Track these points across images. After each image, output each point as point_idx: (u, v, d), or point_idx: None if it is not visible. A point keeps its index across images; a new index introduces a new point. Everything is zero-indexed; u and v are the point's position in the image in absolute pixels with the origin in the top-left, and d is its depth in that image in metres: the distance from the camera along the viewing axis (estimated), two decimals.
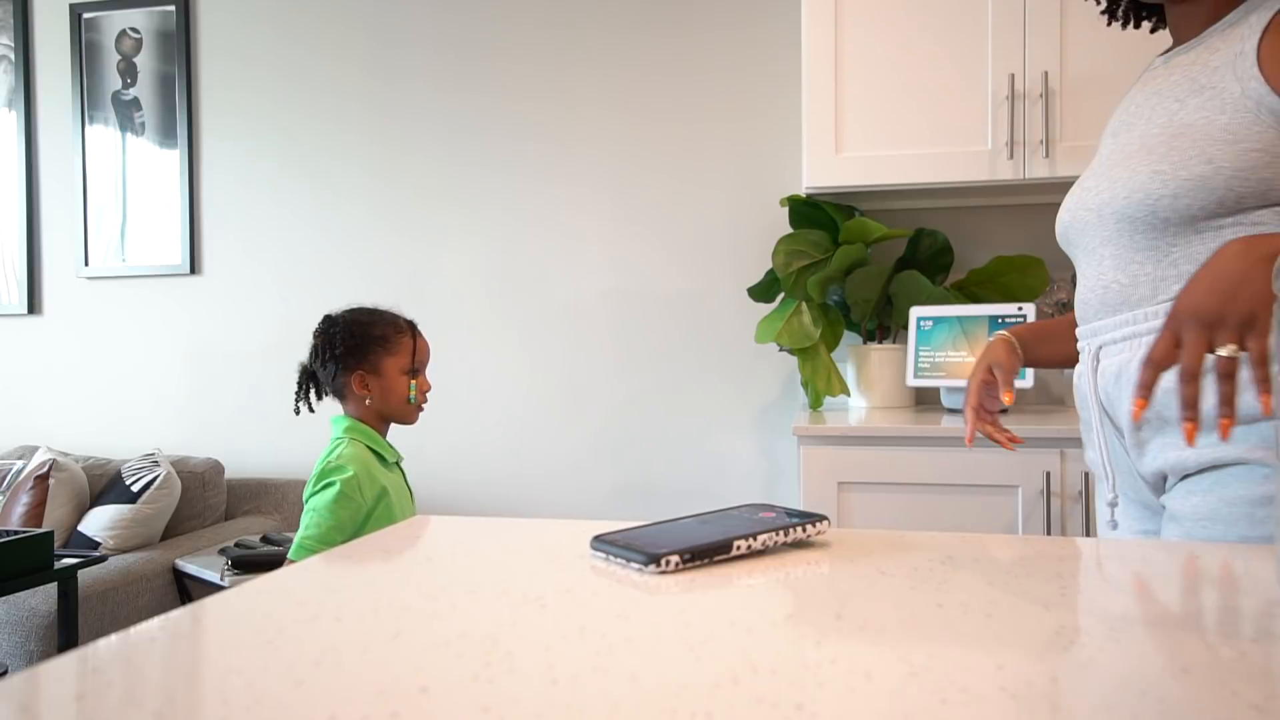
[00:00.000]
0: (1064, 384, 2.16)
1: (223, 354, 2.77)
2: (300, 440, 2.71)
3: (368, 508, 1.52)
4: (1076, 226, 0.99)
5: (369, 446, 1.58)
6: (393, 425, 1.67)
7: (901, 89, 1.98)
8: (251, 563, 2.10)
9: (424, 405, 1.66)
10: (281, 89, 2.72)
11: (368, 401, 1.60)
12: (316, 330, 1.63)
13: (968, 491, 1.72)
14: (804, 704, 0.37)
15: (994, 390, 1.10)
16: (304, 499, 1.54)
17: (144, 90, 2.82)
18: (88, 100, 2.87)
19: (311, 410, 1.65)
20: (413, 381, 1.63)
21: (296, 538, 1.50)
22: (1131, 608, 0.50)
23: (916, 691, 0.38)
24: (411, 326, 1.66)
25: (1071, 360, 1.11)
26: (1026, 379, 1.89)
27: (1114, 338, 0.93)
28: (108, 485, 2.53)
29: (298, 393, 1.65)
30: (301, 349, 2.82)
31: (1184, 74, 0.92)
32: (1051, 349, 1.13)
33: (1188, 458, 0.88)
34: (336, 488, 1.48)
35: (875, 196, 2.17)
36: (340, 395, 1.63)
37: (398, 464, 1.66)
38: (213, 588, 2.15)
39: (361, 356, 1.60)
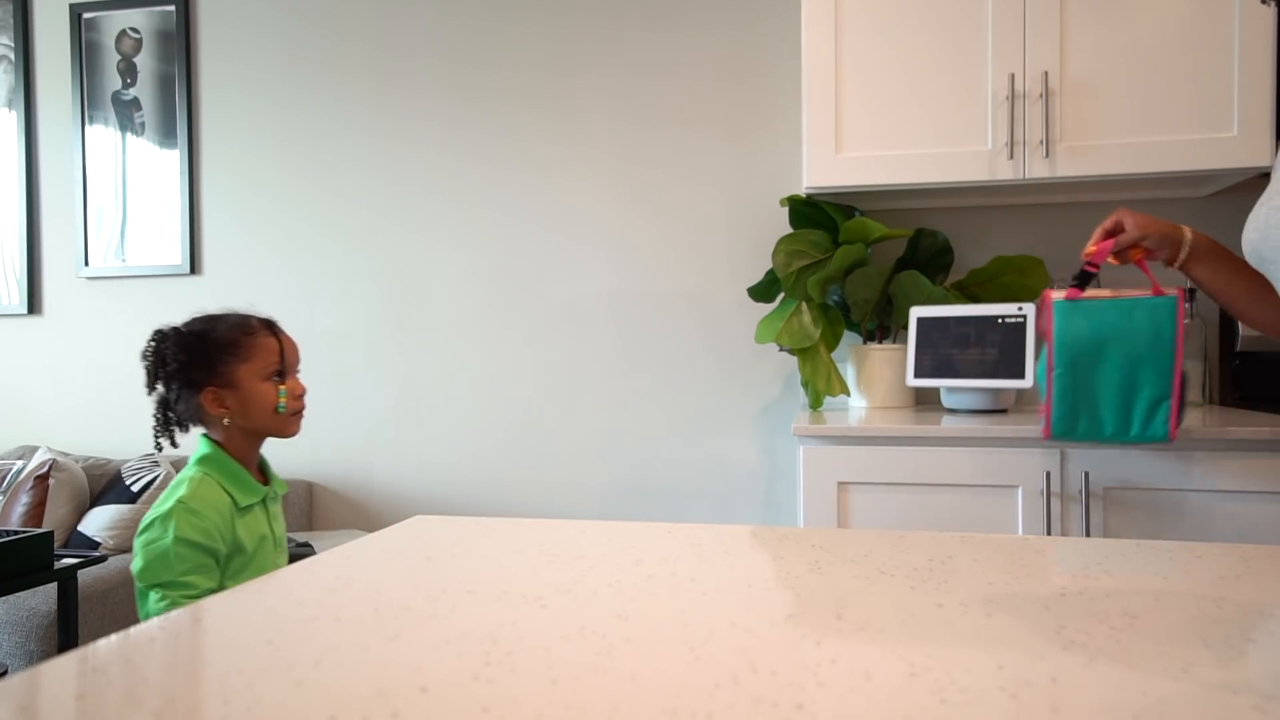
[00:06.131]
0: None
1: None
2: (300, 440, 2.71)
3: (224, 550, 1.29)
4: (1270, 244, 1.05)
5: (224, 487, 1.32)
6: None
7: (901, 89, 1.98)
8: None
9: (301, 411, 1.41)
10: (282, 88, 2.72)
11: (227, 422, 1.34)
12: (144, 350, 1.35)
13: (968, 491, 1.72)
14: (804, 704, 0.37)
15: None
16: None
17: (144, 90, 2.82)
18: (88, 100, 2.87)
19: (175, 445, 1.38)
20: (281, 387, 1.37)
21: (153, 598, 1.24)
22: (1131, 607, 0.50)
23: (916, 691, 0.38)
24: (268, 325, 1.41)
25: (1227, 298, 1.18)
26: (1026, 380, 1.88)
27: None
28: (108, 485, 2.53)
29: (155, 428, 1.37)
30: (301, 349, 2.81)
31: None
32: (1217, 276, 1.18)
33: None
34: (170, 536, 1.23)
35: (875, 196, 2.17)
36: (199, 420, 1.37)
37: (265, 501, 1.39)
38: None
39: (207, 370, 1.33)
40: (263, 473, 1.43)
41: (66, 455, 2.63)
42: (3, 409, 2.96)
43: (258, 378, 1.35)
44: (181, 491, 1.28)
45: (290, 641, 0.45)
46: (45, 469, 2.45)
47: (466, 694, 0.38)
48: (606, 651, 0.43)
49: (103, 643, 0.46)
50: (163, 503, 1.27)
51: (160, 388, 1.35)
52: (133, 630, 0.48)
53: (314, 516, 2.70)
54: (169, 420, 1.37)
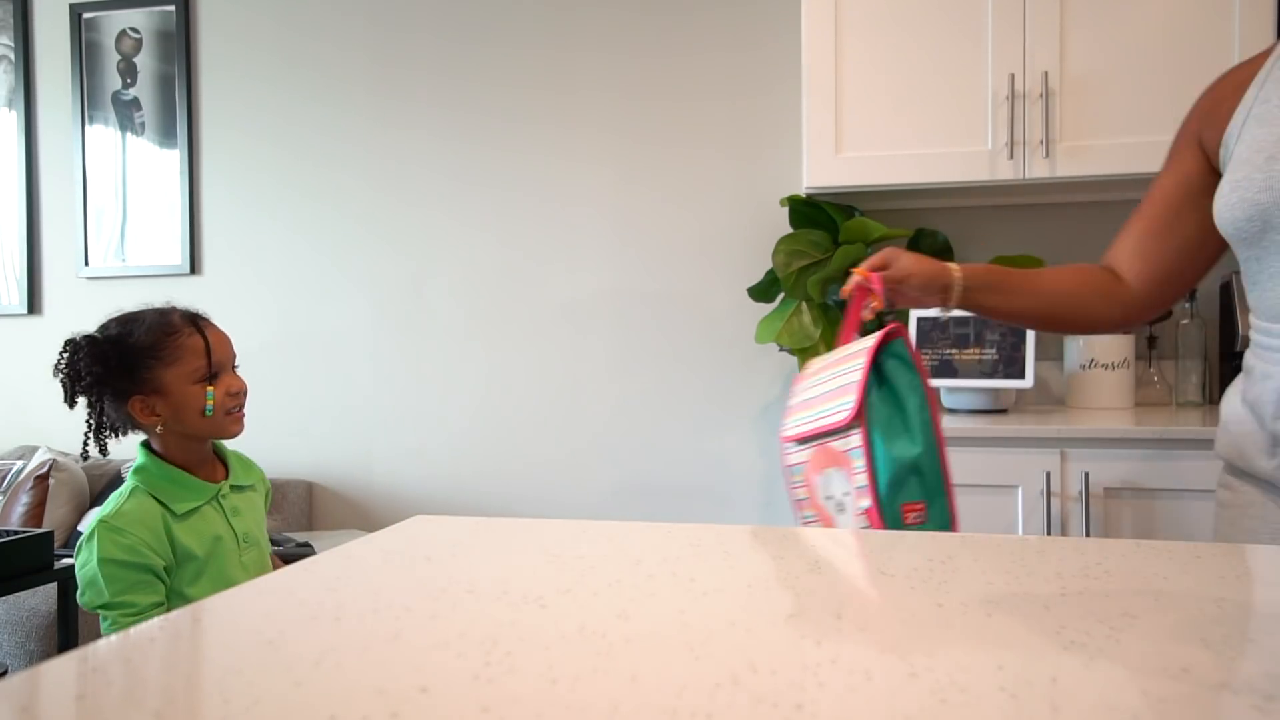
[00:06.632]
0: (1064, 384, 2.16)
1: None
2: (300, 440, 2.71)
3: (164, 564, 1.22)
4: None
5: (157, 498, 1.24)
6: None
7: (901, 89, 1.98)
8: None
9: (236, 410, 1.30)
10: (281, 88, 2.72)
11: (160, 429, 1.26)
12: (55, 364, 1.24)
13: (968, 491, 1.72)
14: (804, 704, 0.37)
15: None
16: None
17: (144, 90, 2.82)
18: (88, 100, 2.86)
19: (104, 454, 1.29)
20: (209, 388, 1.26)
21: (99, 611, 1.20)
22: (1131, 608, 0.50)
23: (916, 691, 0.38)
24: (193, 321, 1.29)
25: (1021, 318, 1.08)
26: (1026, 380, 1.88)
27: None
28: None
29: (85, 435, 1.28)
30: (301, 349, 2.83)
31: None
32: (1004, 301, 1.07)
33: None
34: (94, 558, 1.18)
35: (875, 196, 2.17)
36: (134, 428, 1.29)
37: (217, 498, 1.30)
38: None
39: (129, 378, 1.23)
40: (224, 464, 1.36)
41: (66, 455, 2.63)
42: (3, 409, 2.96)
43: (186, 381, 1.25)
44: (106, 510, 1.22)
45: (290, 641, 0.45)
46: (45, 469, 2.45)
47: (466, 694, 0.38)
48: (606, 651, 0.43)
49: (103, 643, 0.46)
50: (91, 524, 1.22)
51: (81, 401, 1.25)
52: (133, 630, 0.48)
53: (314, 516, 2.70)
54: (101, 427, 1.28)
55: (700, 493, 2.46)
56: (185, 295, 2.78)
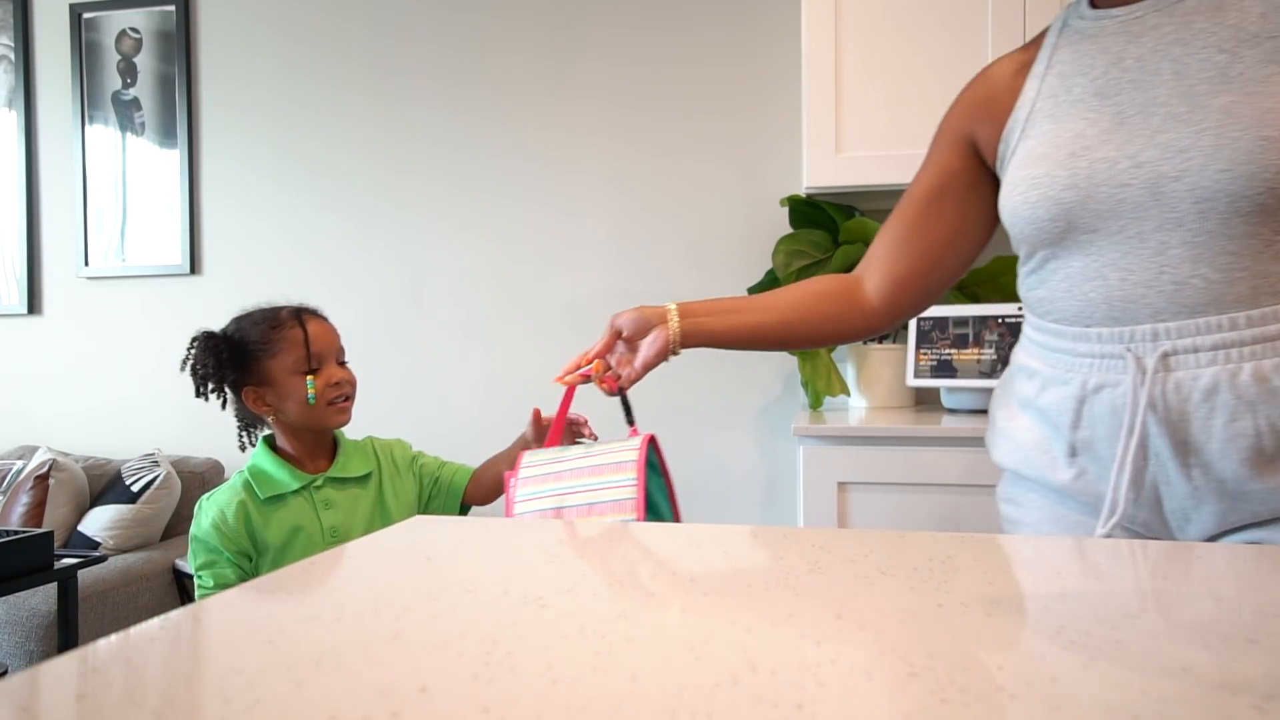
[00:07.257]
0: None
1: None
2: None
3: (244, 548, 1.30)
4: (1104, 205, 0.81)
5: (252, 484, 1.32)
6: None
7: (901, 89, 1.98)
8: None
9: (340, 401, 1.37)
10: (282, 89, 2.72)
11: (271, 420, 1.36)
12: (184, 359, 1.34)
13: (968, 491, 1.72)
14: (804, 704, 0.37)
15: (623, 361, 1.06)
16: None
17: (144, 90, 2.82)
18: (88, 100, 2.86)
19: (253, 444, 1.41)
20: (309, 378, 1.32)
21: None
22: (1131, 607, 0.50)
23: (916, 691, 0.38)
24: (297, 315, 1.37)
25: (757, 338, 1.04)
26: None
27: (1197, 345, 0.77)
28: (108, 485, 2.53)
29: (238, 428, 1.41)
30: None
31: (1211, 21, 0.78)
32: (733, 321, 1.05)
33: None
34: (191, 532, 1.30)
35: (875, 196, 2.17)
36: (259, 419, 1.39)
37: (308, 489, 1.35)
38: None
39: (239, 370, 1.33)
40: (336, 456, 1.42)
41: (66, 455, 2.63)
42: (3, 409, 2.96)
43: (290, 372, 1.32)
44: (219, 492, 1.34)
45: (290, 641, 0.45)
46: (45, 469, 2.45)
47: (466, 694, 0.38)
48: (606, 652, 0.43)
49: (103, 643, 0.46)
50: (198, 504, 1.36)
51: (212, 394, 1.34)
52: (133, 630, 0.48)
53: None
54: (244, 421, 1.40)
55: (700, 493, 2.46)
56: (185, 295, 2.79)
